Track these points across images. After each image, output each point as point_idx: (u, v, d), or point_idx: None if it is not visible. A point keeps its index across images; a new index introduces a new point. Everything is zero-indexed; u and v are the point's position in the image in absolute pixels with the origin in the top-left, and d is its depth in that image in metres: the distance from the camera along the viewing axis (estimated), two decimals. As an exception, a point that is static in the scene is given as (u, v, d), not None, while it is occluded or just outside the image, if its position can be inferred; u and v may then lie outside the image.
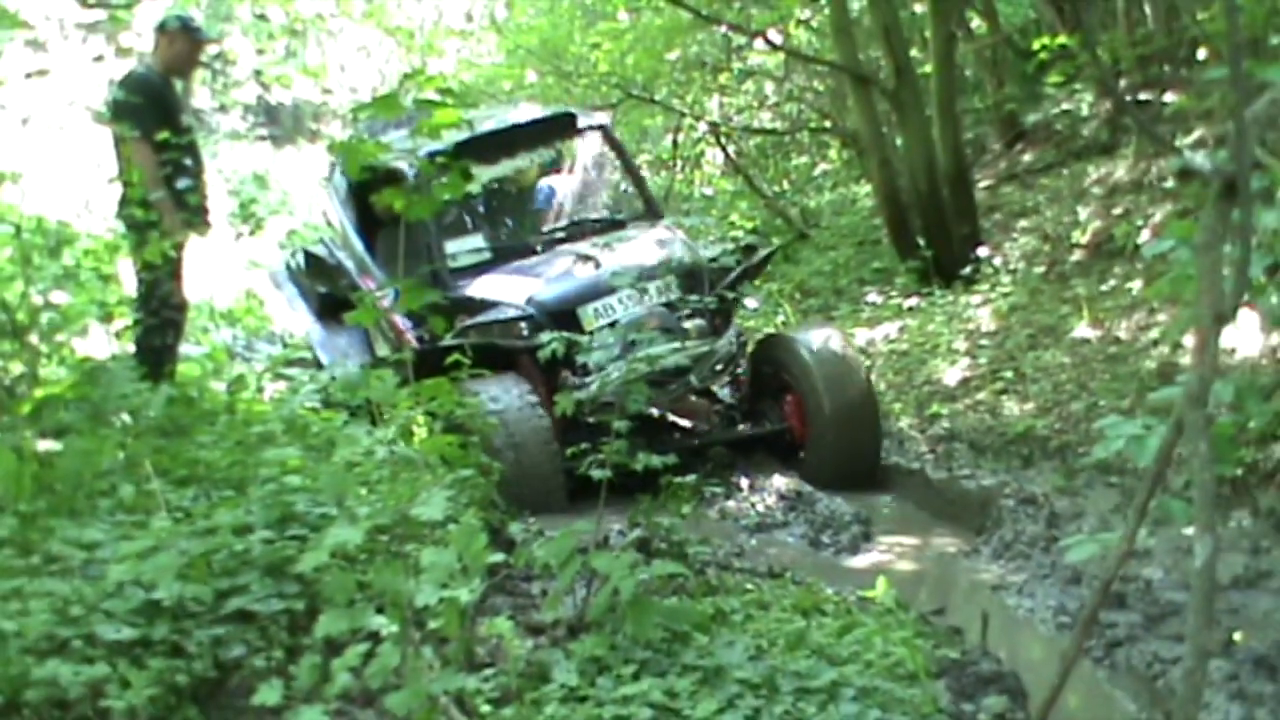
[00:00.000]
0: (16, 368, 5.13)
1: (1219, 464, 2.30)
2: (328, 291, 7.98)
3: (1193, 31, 9.45)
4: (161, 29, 6.37)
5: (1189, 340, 2.33)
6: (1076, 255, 9.22)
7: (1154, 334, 7.29)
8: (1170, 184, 8.79)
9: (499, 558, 3.86)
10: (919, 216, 10.48)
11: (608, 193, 8.71)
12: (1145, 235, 8.47)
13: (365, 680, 2.97)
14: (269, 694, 2.96)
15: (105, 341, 6.02)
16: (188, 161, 6.22)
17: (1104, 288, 8.37)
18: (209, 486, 4.49)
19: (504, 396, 6.37)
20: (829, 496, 6.44)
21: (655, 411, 6.72)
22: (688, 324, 6.86)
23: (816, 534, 6.08)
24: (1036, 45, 11.00)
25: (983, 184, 11.78)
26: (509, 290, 7.11)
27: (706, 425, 7.01)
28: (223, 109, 22.15)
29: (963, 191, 10.41)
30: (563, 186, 8.54)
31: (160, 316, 6.07)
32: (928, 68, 10.80)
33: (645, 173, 12.04)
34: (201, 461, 4.67)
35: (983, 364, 8.09)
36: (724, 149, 15.11)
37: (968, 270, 9.78)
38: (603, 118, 8.71)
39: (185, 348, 6.90)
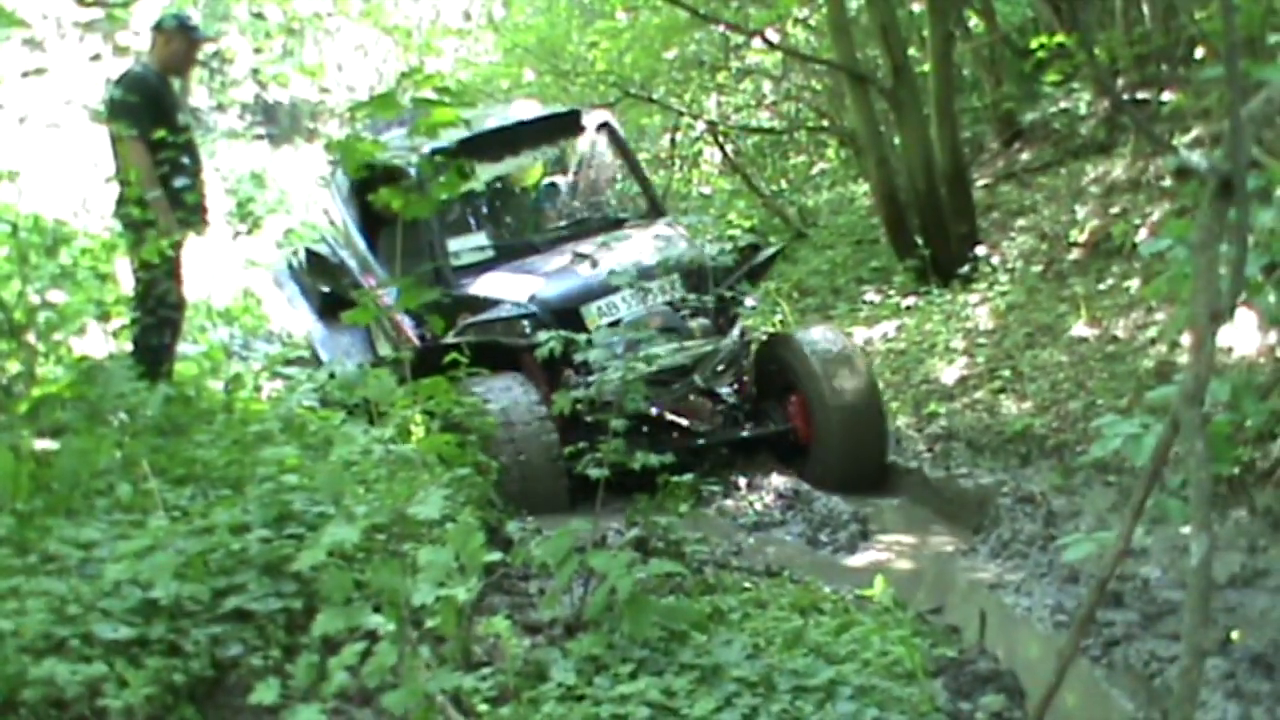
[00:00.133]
0: (14, 367, 5.12)
1: (1216, 463, 2.30)
2: (330, 290, 7.98)
3: (1190, 30, 9.45)
4: (158, 28, 6.36)
5: (1186, 339, 2.33)
6: (1074, 254, 9.23)
7: (1151, 333, 7.30)
8: (1168, 183, 8.79)
9: (496, 556, 3.87)
10: (917, 215, 10.49)
11: (611, 191, 8.71)
12: (1143, 234, 8.47)
13: (362, 679, 2.97)
14: (266, 693, 2.96)
15: (103, 340, 6.01)
16: (185, 160, 6.21)
17: (1101, 286, 8.37)
18: (206, 485, 4.49)
19: (506, 395, 6.37)
20: (826, 495, 6.44)
21: (655, 411, 6.71)
22: (692, 323, 6.85)
23: (814, 533, 6.08)
24: (1034, 44, 11.01)
25: (980, 183, 11.78)
26: (512, 288, 7.10)
27: (708, 425, 6.98)
28: (220, 108, 22.15)
29: (960, 190, 10.41)
30: (567, 185, 8.54)
31: (158, 315, 6.07)
32: (925, 67, 10.81)
33: (644, 172, 12.01)
34: (199, 460, 4.67)
35: (980, 363, 8.10)
36: (722, 148, 15.10)
37: (965, 269, 9.78)
38: (607, 116, 8.69)
39: (183, 347, 6.89)
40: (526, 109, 8.92)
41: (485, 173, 7.78)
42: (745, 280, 7.13)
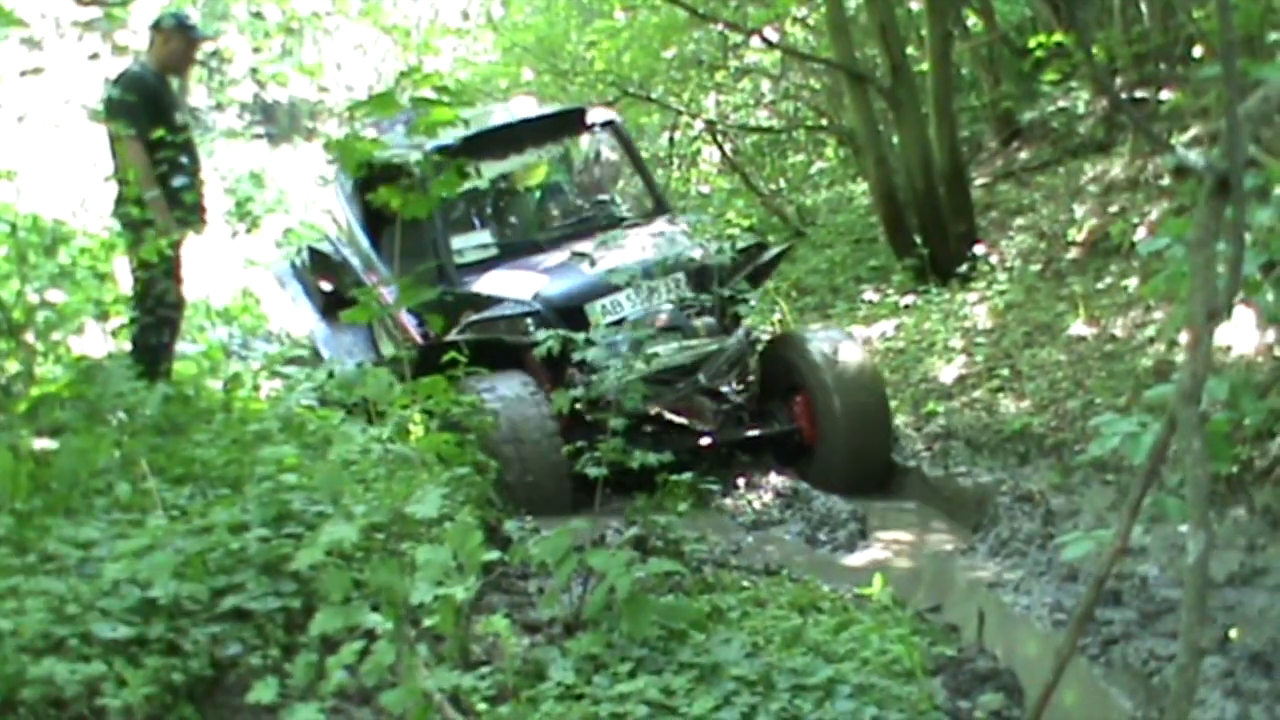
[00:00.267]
0: (12, 366, 5.12)
1: (1214, 461, 2.31)
2: (332, 289, 7.96)
3: (1188, 29, 9.45)
4: (157, 27, 6.36)
5: (1184, 337, 2.33)
6: (1072, 253, 9.23)
7: (1150, 331, 7.30)
8: (1166, 182, 8.80)
9: (495, 555, 3.86)
10: (915, 214, 10.48)
11: (616, 189, 8.69)
12: (1141, 233, 8.47)
13: (361, 678, 2.97)
14: (265, 692, 2.96)
15: (101, 340, 6.01)
16: (184, 160, 6.21)
17: (1100, 285, 8.37)
18: (205, 485, 4.49)
19: (509, 394, 6.35)
20: (825, 494, 6.44)
21: (655, 410, 6.69)
22: (696, 322, 6.83)
23: (813, 531, 6.08)
24: (1033, 43, 11.01)
25: (979, 182, 11.78)
26: (516, 286, 7.08)
27: (710, 425, 6.95)
28: (219, 107, 22.12)
29: (959, 189, 10.41)
30: (571, 183, 8.53)
31: (156, 315, 6.07)
32: (924, 66, 10.81)
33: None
34: (198, 460, 4.67)
35: (979, 362, 8.10)
36: (720, 147, 15.10)
37: (964, 268, 9.78)
38: (612, 114, 8.67)
39: (181, 346, 6.89)
40: (526, 107, 8.91)
41: (489, 171, 7.77)
42: (746, 280, 7.11)
